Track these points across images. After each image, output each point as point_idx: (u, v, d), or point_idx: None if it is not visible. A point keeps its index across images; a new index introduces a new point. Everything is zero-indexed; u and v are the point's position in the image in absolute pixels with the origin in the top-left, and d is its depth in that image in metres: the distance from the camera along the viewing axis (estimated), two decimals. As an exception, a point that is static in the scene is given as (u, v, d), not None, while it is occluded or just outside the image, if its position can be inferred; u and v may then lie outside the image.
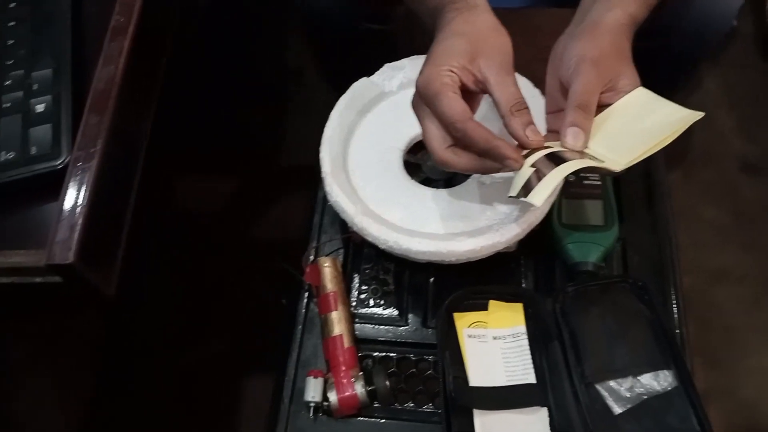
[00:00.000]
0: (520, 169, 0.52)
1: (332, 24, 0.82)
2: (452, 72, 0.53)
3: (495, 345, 0.63)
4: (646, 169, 0.73)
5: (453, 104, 0.52)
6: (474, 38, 0.54)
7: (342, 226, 0.72)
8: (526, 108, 0.53)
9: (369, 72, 0.72)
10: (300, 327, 0.67)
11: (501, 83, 0.53)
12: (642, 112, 0.53)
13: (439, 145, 0.54)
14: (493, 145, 0.52)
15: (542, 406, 0.59)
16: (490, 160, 0.53)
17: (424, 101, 0.55)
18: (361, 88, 0.71)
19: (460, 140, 0.53)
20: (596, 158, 0.51)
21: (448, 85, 0.53)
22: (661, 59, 0.70)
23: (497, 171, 0.54)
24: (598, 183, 0.67)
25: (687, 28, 0.71)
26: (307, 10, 0.82)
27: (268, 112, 1.37)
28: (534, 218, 0.61)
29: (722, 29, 0.73)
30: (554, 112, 0.57)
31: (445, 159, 0.55)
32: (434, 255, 0.60)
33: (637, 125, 0.52)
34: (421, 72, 0.55)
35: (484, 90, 0.54)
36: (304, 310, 0.68)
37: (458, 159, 0.54)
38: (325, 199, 0.73)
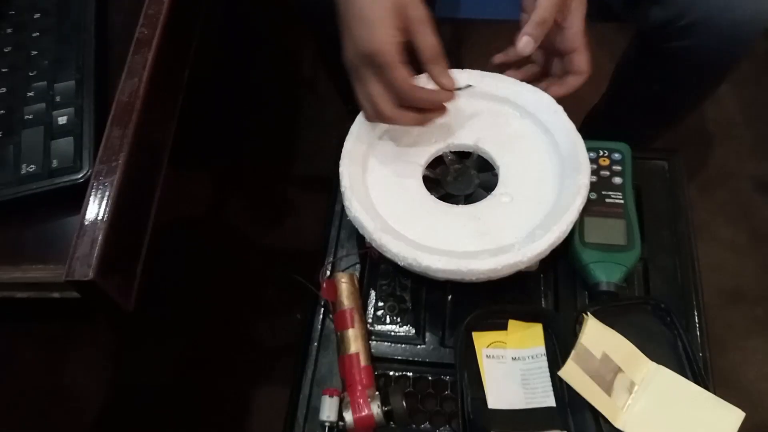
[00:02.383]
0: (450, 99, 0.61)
1: (327, 18, 0.81)
2: (397, 33, 0.55)
3: (514, 366, 0.62)
4: (668, 189, 0.73)
5: (404, 74, 0.56)
6: None
7: (359, 240, 0.71)
8: (441, 56, 0.58)
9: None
10: (315, 344, 0.66)
11: (423, 32, 0.56)
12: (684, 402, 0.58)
13: (387, 106, 0.59)
14: (435, 99, 0.60)
15: (562, 430, 0.58)
16: (432, 111, 0.61)
17: (371, 67, 0.57)
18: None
19: (406, 101, 0.58)
20: None
21: (398, 53, 0.56)
22: (688, 61, 0.68)
23: (435, 118, 0.62)
24: (621, 201, 0.66)
25: (718, 26, 0.68)
26: (303, 11, 0.81)
27: (281, 123, 1.37)
28: (556, 237, 0.60)
29: (755, 30, 0.70)
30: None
31: (394, 118, 0.60)
32: (454, 273, 0.59)
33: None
34: (362, 36, 0.56)
35: (408, 36, 0.57)
36: (319, 326, 0.67)
37: (405, 116, 0.60)
38: (342, 213, 0.73)
